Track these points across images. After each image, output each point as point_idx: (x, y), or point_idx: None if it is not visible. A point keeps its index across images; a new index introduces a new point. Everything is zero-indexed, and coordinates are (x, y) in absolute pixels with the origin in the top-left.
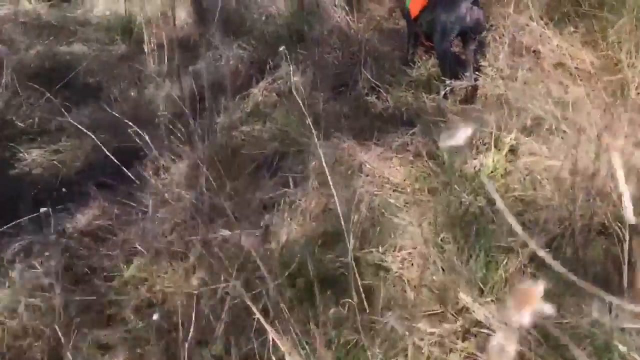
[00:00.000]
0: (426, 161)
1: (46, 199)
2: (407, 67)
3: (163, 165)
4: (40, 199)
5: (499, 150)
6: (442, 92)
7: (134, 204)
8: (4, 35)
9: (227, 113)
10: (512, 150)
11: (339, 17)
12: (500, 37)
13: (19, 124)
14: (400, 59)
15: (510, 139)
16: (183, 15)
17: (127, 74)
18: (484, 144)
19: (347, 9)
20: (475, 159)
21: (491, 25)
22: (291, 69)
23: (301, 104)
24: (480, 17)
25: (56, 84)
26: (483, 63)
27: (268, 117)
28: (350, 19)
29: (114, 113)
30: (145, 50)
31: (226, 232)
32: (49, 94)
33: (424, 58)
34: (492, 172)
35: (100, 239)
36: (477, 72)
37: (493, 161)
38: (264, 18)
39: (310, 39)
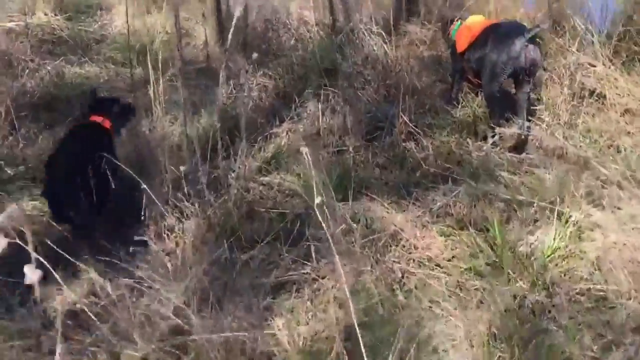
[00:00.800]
0: (473, 234)
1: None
2: (451, 105)
3: (167, 225)
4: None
5: (561, 222)
6: (490, 140)
7: (130, 279)
8: (12, 54)
9: (244, 159)
10: (577, 224)
11: (374, 44)
12: (558, 78)
13: (8, 171)
14: (443, 95)
15: (572, 209)
16: (205, 34)
17: (139, 104)
18: (542, 214)
19: (383, 34)
20: (531, 233)
21: (548, 64)
22: (320, 108)
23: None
24: (537, 57)
25: (60, 114)
26: (538, 107)
27: (290, 166)
28: (387, 46)
29: (116, 162)
30: (151, 80)
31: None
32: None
33: (469, 96)
34: (552, 253)
35: (86, 326)
36: (530, 117)
37: (553, 239)
38: (292, 41)
39: (343, 72)
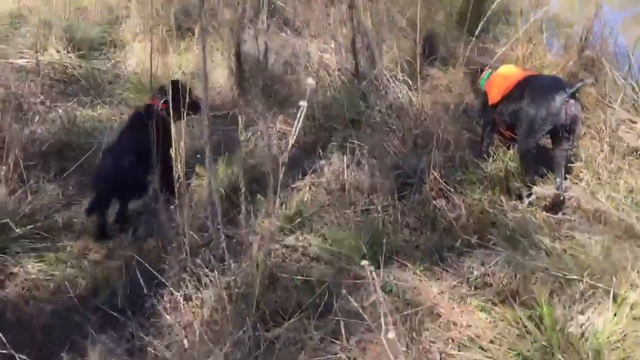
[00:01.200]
0: (517, 312)
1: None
2: (481, 159)
3: (184, 294)
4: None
5: (615, 302)
6: (526, 200)
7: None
8: (23, 95)
9: (264, 218)
10: (634, 307)
11: (399, 91)
12: (598, 134)
13: (16, 230)
14: (472, 147)
15: (627, 287)
16: (222, 76)
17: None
18: (591, 290)
19: (408, 81)
20: (582, 313)
21: (586, 119)
22: (345, 161)
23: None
24: (578, 113)
25: (71, 162)
26: (576, 164)
27: (314, 225)
28: (412, 94)
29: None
30: None
31: None
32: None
33: (500, 149)
34: (606, 337)
35: None
36: (567, 175)
37: (607, 321)
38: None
39: (367, 121)
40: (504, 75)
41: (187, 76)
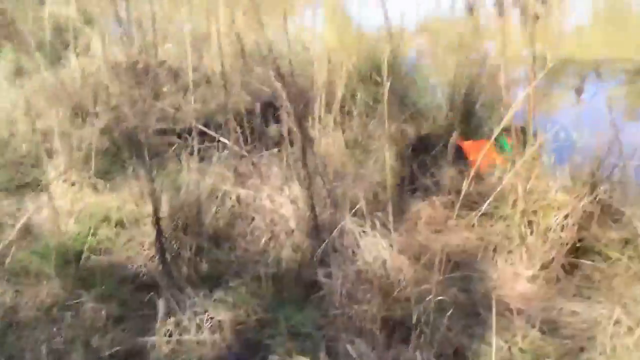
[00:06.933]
0: None
1: None
2: None
3: None
4: None
5: None
6: None
7: None
8: None
9: None
10: None
11: (370, 250)
12: None
13: None
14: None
15: None
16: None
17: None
18: None
19: (389, 242)
20: None
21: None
22: None
23: None
24: None
25: None
26: None
27: None
28: (388, 252)
29: None
30: None
31: None
32: None
33: None
34: None
35: None
36: None
37: None
38: (263, 241)
39: (329, 298)
40: None
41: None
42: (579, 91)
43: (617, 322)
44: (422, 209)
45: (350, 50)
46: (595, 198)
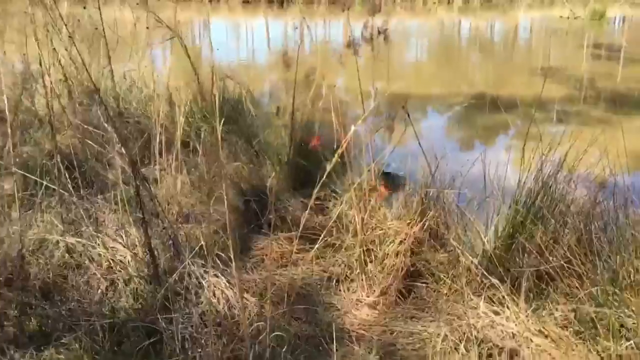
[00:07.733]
0: None
1: None
2: None
3: None
4: None
5: None
6: None
7: None
8: None
9: None
10: None
11: (213, 291)
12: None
13: None
14: None
15: None
16: None
17: None
18: None
19: (232, 281)
20: None
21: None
22: None
23: None
24: None
25: None
26: None
27: None
28: (234, 293)
29: None
30: None
31: None
32: None
33: None
34: None
35: None
36: None
37: None
38: (99, 291)
39: (169, 344)
40: None
41: None
42: (390, 129)
43: (444, 339)
44: (268, 245)
45: (194, 89)
46: (424, 224)
